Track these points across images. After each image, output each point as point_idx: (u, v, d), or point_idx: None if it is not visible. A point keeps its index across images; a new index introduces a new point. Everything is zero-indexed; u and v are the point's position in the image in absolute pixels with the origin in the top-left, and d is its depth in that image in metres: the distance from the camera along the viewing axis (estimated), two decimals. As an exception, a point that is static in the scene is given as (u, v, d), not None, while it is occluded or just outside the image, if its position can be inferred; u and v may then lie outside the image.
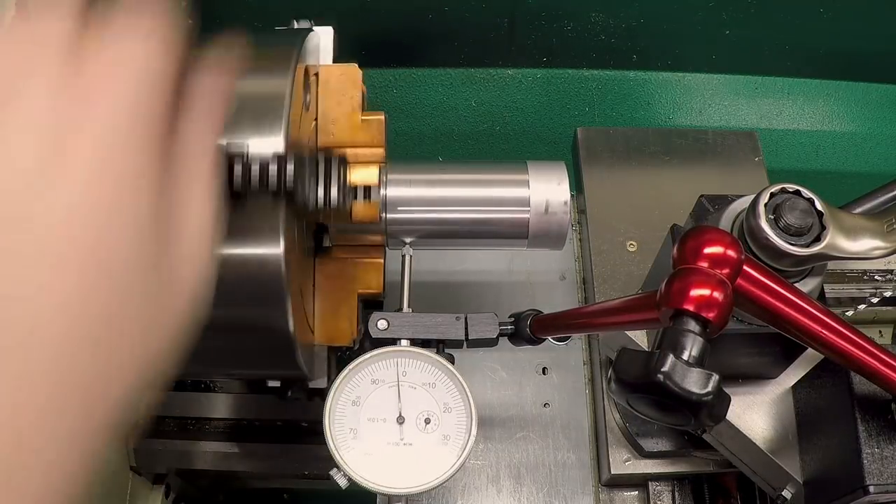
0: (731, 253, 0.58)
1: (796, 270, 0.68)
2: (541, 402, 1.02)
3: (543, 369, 1.05)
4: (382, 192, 0.81)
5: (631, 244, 1.02)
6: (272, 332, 0.71)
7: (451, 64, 1.35)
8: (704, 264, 0.57)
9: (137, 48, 0.39)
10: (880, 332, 0.95)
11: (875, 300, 0.86)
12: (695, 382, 0.53)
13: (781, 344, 0.74)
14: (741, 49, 1.32)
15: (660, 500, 0.95)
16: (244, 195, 0.61)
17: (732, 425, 0.80)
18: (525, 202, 0.82)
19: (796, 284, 0.67)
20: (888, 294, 0.87)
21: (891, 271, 0.90)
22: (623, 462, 0.94)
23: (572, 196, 1.14)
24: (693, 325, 0.55)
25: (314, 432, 1.10)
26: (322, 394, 0.75)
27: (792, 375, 0.81)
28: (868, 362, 0.61)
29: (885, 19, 1.26)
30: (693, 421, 0.55)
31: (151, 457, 1.09)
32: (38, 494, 0.34)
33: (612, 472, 0.94)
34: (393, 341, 0.76)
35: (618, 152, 1.10)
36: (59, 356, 0.35)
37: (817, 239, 0.65)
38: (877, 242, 0.65)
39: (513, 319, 0.81)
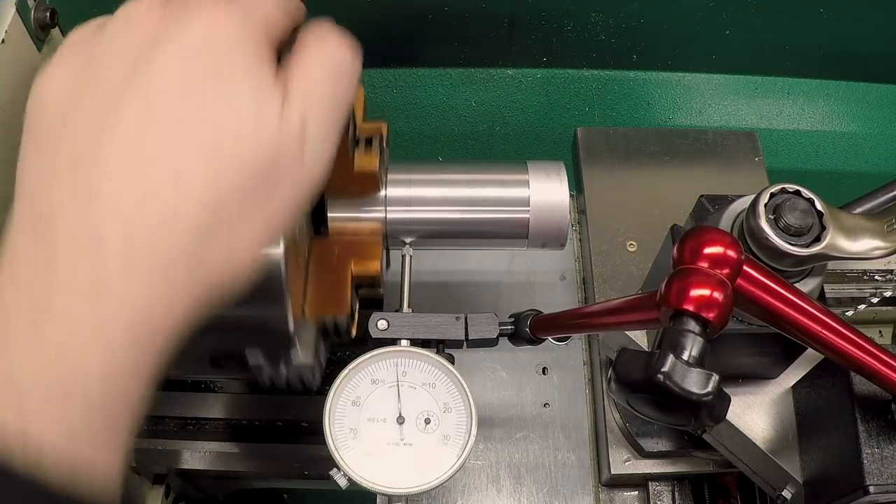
0: (731, 253, 0.58)
1: (796, 270, 0.68)
2: (541, 402, 1.02)
3: (543, 369, 1.05)
4: (382, 192, 0.81)
5: (631, 244, 1.02)
6: (271, 332, 0.71)
7: (451, 64, 1.35)
8: (704, 264, 0.57)
9: None
10: (880, 332, 0.95)
11: (875, 300, 0.86)
12: (695, 382, 0.53)
13: (781, 344, 0.74)
14: (741, 49, 1.32)
15: (660, 500, 0.95)
16: None
17: (732, 425, 0.80)
18: (525, 202, 0.82)
19: (796, 284, 0.67)
20: (888, 294, 0.87)
21: (891, 271, 0.90)
22: (623, 462, 0.94)
23: (572, 196, 1.14)
24: (693, 326, 0.55)
25: (314, 432, 1.10)
26: (323, 391, 0.74)
27: (792, 375, 0.81)
28: (868, 362, 0.61)
29: (885, 19, 1.26)
30: (693, 421, 0.55)
31: (151, 457, 1.09)
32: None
33: (612, 472, 0.94)
34: (393, 341, 0.76)
35: (618, 152, 1.10)
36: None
37: (817, 239, 0.65)
38: (877, 242, 0.65)
39: (513, 319, 0.81)
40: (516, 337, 0.81)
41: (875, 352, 0.61)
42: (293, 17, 0.53)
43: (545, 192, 0.82)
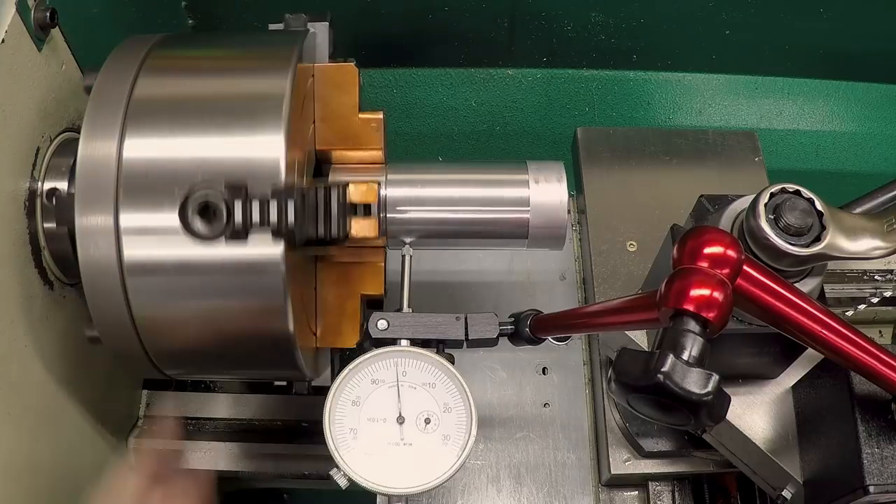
0: (730, 253, 0.58)
1: (796, 270, 0.68)
2: (541, 402, 1.02)
3: (543, 369, 1.05)
4: (383, 192, 0.81)
5: (631, 244, 1.01)
6: (273, 333, 0.71)
7: (451, 64, 1.35)
8: (704, 264, 0.57)
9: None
10: (880, 332, 0.95)
11: (875, 300, 0.86)
12: (695, 382, 0.53)
13: (781, 344, 0.74)
14: (741, 49, 1.32)
15: (660, 500, 0.95)
16: (245, 233, 0.62)
17: (732, 425, 0.80)
18: (525, 202, 0.82)
19: (796, 284, 0.67)
20: (888, 294, 0.87)
21: (891, 271, 0.90)
22: (623, 462, 0.94)
23: (572, 196, 1.14)
24: (693, 325, 0.55)
25: (314, 432, 1.10)
26: (325, 391, 0.75)
27: (792, 375, 0.81)
28: (868, 362, 0.61)
29: (885, 19, 1.26)
30: (693, 421, 0.55)
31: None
32: None
33: (613, 472, 0.94)
34: (393, 341, 0.76)
35: (618, 152, 1.10)
36: None
37: (817, 239, 0.65)
38: (877, 242, 0.65)
39: (513, 319, 0.81)
40: (516, 337, 0.81)
41: (875, 352, 0.61)
42: None
43: (545, 191, 0.82)
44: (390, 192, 0.82)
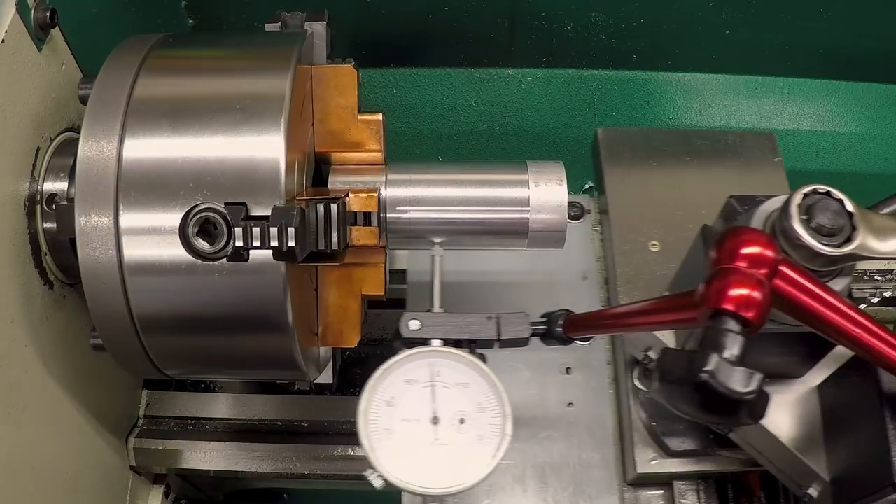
0: (768, 253, 0.59)
1: (826, 271, 0.68)
2: (565, 402, 1.02)
3: (567, 369, 1.04)
4: (382, 193, 0.81)
5: (654, 244, 1.02)
6: (273, 333, 0.71)
7: (451, 64, 1.35)
8: (743, 264, 0.58)
9: None
10: (880, 332, 0.95)
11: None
12: (738, 381, 0.54)
13: (808, 344, 0.75)
14: (741, 49, 1.32)
15: (685, 499, 0.95)
16: (246, 254, 0.63)
17: (759, 423, 0.81)
18: (525, 202, 0.82)
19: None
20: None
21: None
22: (649, 461, 0.94)
23: (593, 197, 1.14)
24: (733, 325, 0.56)
25: (314, 432, 1.11)
26: (327, 388, 0.74)
27: (817, 374, 0.81)
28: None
29: (885, 19, 1.26)
30: (735, 419, 0.55)
31: (151, 457, 1.09)
32: None
33: (639, 471, 0.94)
34: (424, 341, 0.76)
35: (638, 152, 1.10)
36: None
37: (848, 240, 0.65)
38: (906, 242, 0.66)
39: (545, 319, 0.80)
40: (548, 337, 0.81)
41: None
42: None
43: (545, 191, 0.82)
44: (390, 193, 0.82)
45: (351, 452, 1.08)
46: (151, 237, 0.68)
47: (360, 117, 0.81)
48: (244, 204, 0.65)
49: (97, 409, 0.96)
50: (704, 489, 0.95)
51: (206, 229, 0.66)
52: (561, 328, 0.79)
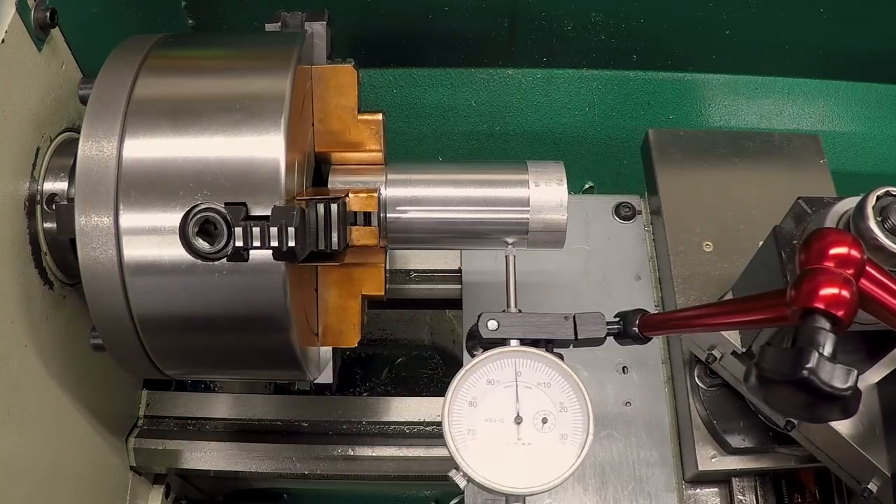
0: (854, 253, 0.60)
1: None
2: (622, 401, 1.02)
3: (623, 368, 1.04)
4: (382, 193, 0.82)
5: (707, 244, 1.04)
6: (274, 333, 0.71)
7: (451, 64, 1.35)
8: (830, 264, 0.59)
9: None
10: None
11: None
12: (838, 378, 0.55)
13: (868, 342, 0.78)
14: (741, 49, 1.32)
15: (743, 496, 0.96)
16: (246, 254, 0.63)
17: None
18: (525, 202, 0.82)
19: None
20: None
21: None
22: (710, 458, 0.94)
23: (643, 197, 1.15)
24: (824, 323, 0.57)
25: (314, 432, 1.11)
26: (327, 388, 0.74)
27: (876, 373, 0.82)
28: None
29: (885, 19, 1.26)
30: (831, 414, 0.57)
31: (151, 457, 1.09)
32: None
33: (700, 468, 0.94)
34: (503, 341, 0.76)
35: (689, 153, 1.12)
36: None
37: None
38: (973, 244, 0.67)
39: (619, 319, 0.81)
40: (623, 336, 0.81)
41: None
42: None
43: (545, 192, 0.82)
44: (390, 193, 0.82)
45: (351, 452, 1.08)
46: (151, 237, 0.68)
47: (360, 117, 0.81)
48: (244, 204, 0.65)
49: (97, 409, 0.96)
50: (762, 486, 0.96)
51: (206, 229, 0.66)
52: (637, 328, 0.80)
